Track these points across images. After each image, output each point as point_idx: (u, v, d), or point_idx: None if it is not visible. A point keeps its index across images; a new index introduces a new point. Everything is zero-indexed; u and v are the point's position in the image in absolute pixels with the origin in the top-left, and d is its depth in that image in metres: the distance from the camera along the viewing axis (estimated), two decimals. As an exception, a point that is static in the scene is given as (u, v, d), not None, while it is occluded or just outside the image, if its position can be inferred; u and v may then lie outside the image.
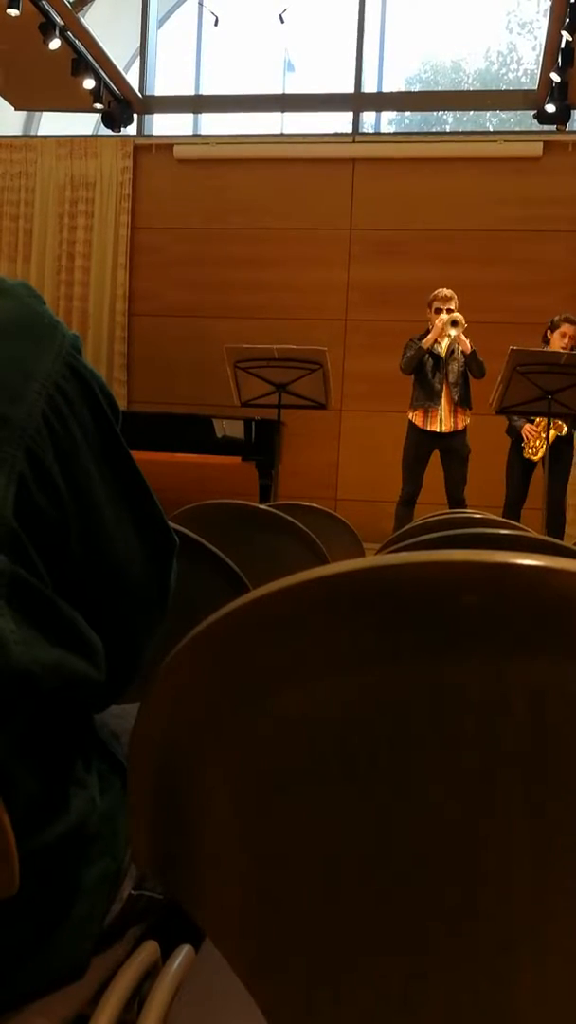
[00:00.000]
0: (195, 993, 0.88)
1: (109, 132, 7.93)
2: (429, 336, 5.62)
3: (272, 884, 0.61)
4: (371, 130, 8.10)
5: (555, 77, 6.70)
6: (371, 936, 0.58)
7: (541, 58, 6.98)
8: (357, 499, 7.21)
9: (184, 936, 0.94)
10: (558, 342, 5.55)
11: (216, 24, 7.74)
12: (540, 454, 5.58)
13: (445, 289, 5.72)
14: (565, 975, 0.55)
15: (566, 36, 6.25)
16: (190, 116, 8.53)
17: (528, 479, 5.79)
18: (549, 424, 5.21)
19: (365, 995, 0.59)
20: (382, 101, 8.28)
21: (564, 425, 5.50)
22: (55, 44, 6.52)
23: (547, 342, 5.61)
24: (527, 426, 5.61)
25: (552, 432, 5.40)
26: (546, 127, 7.26)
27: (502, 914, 0.54)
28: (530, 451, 5.70)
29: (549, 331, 5.65)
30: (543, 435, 5.49)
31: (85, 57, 6.94)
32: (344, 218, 7.58)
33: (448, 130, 8.39)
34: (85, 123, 8.36)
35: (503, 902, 0.54)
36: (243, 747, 0.59)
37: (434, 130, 8.36)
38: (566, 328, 5.58)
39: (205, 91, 8.51)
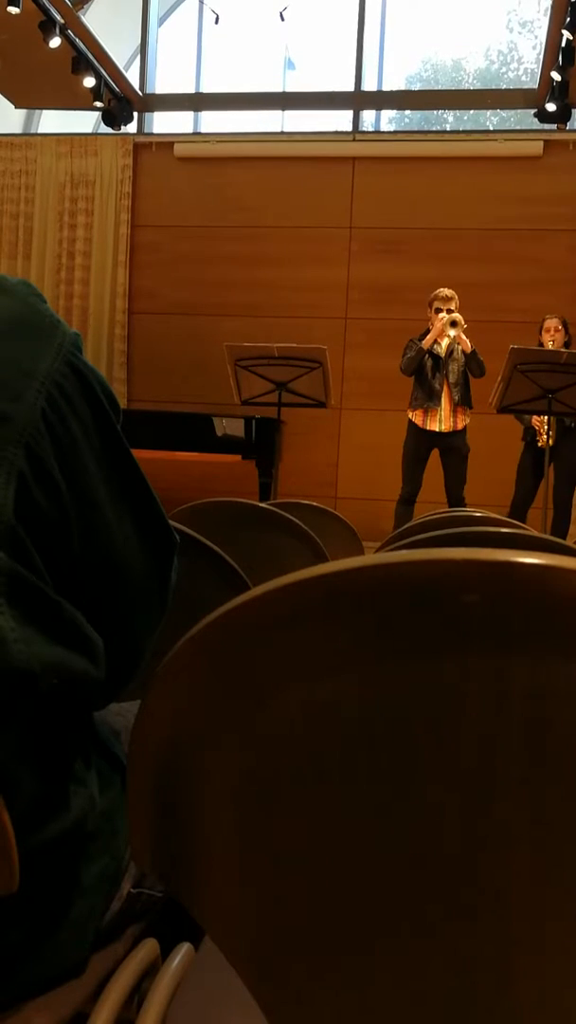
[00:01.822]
0: (195, 991, 0.88)
1: (109, 130, 7.92)
2: (429, 337, 5.62)
3: (272, 882, 0.61)
4: (371, 128, 8.10)
5: (555, 76, 6.70)
6: (371, 934, 0.58)
7: (541, 57, 6.98)
8: (357, 497, 7.21)
9: (184, 934, 0.94)
10: (545, 338, 5.65)
11: (216, 22, 7.73)
12: (552, 440, 5.64)
13: (445, 289, 5.72)
14: (565, 971, 0.55)
15: (566, 35, 6.25)
16: (190, 114, 8.53)
17: (539, 481, 5.81)
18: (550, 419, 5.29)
19: (365, 993, 0.59)
20: (382, 99, 8.27)
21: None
22: (55, 42, 6.51)
23: (541, 344, 5.67)
24: (534, 417, 5.64)
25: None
26: (546, 126, 7.26)
27: (502, 912, 0.54)
28: (543, 438, 5.73)
29: (539, 333, 5.76)
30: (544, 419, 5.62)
31: (85, 55, 6.94)
32: (344, 216, 7.57)
33: (448, 129, 8.38)
34: (85, 121, 8.36)
35: (503, 900, 0.54)
36: (243, 745, 0.59)
37: (434, 129, 8.35)
38: (548, 323, 5.74)
39: (205, 89, 8.51)
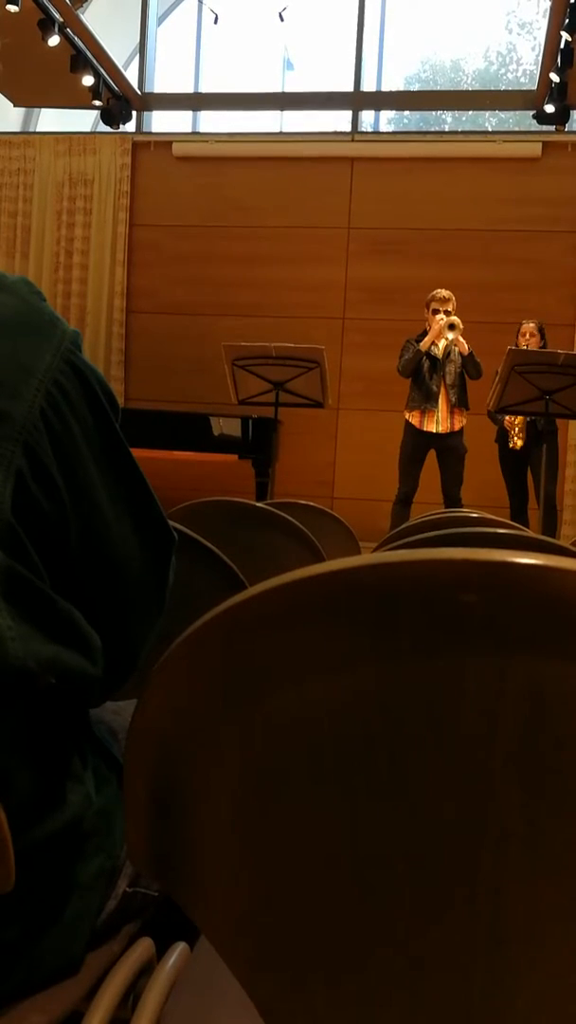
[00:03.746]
0: (190, 990, 0.88)
1: (108, 129, 7.92)
2: (427, 339, 5.63)
3: (268, 882, 0.61)
4: (370, 129, 8.10)
5: (554, 77, 6.70)
6: (368, 934, 0.58)
7: (540, 58, 6.98)
8: (354, 498, 7.21)
9: (179, 933, 0.94)
10: (521, 343, 5.72)
11: (216, 22, 7.73)
12: (521, 441, 5.74)
13: (443, 290, 5.73)
14: (561, 973, 0.55)
15: (565, 36, 6.25)
16: (189, 113, 8.52)
17: (524, 477, 5.88)
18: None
19: (361, 993, 0.59)
20: (381, 100, 8.27)
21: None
22: (54, 41, 6.51)
23: (516, 346, 5.72)
24: (507, 418, 5.74)
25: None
26: (545, 127, 7.26)
27: (499, 912, 0.54)
28: (513, 440, 5.81)
29: (515, 336, 5.83)
30: (516, 422, 5.78)
31: (84, 54, 6.93)
32: (342, 217, 7.57)
33: (447, 130, 8.38)
34: (84, 120, 8.35)
35: (500, 900, 0.54)
36: (240, 744, 0.59)
37: (433, 129, 8.35)
38: (525, 328, 5.83)
39: (204, 89, 8.50)
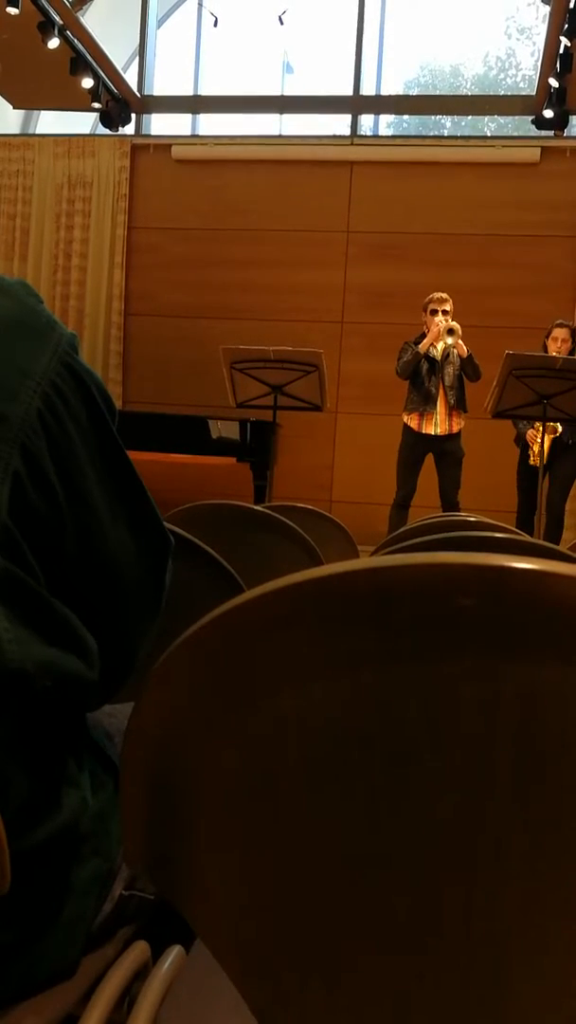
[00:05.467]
0: (185, 994, 0.87)
1: (107, 131, 7.93)
2: (425, 340, 5.63)
3: (265, 885, 0.61)
4: (369, 133, 8.11)
5: (553, 83, 6.71)
6: (364, 937, 0.58)
7: (540, 64, 7.00)
8: (351, 501, 7.22)
9: (175, 936, 0.94)
10: (552, 347, 5.61)
11: (215, 25, 7.75)
12: (545, 459, 5.64)
13: (441, 292, 5.74)
14: (559, 974, 0.55)
15: (565, 42, 6.27)
16: (188, 116, 8.53)
17: (537, 487, 5.81)
18: (544, 428, 5.23)
19: (357, 997, 0.59)
20: (380, 104, 8.28)
21: (558, 427, 5.50)
22: (54, 43, 6.52)
23: (546, 348, 5.64)
24: (529, 431, 5.63)
25: (547, 436, 5.46)
26: (544, 132, 7.28)
27: (497, 914, 0.54)
28: (533, 457, 5.70)
29: (546, 338, 5.71)
30: (538, 438, 5.57)
31: (84, 56, 6.94)
32: (341, 220, 7.58)
33: (446, 134, 8.39)
34: (83, 122, 8.36)
35: (498, 902, 0.54)
36: (237, 747, 0.59)
37: (432, 134, 8.36)
38: (557, 332, 5.67)
39: (204, 92, 8.51)
